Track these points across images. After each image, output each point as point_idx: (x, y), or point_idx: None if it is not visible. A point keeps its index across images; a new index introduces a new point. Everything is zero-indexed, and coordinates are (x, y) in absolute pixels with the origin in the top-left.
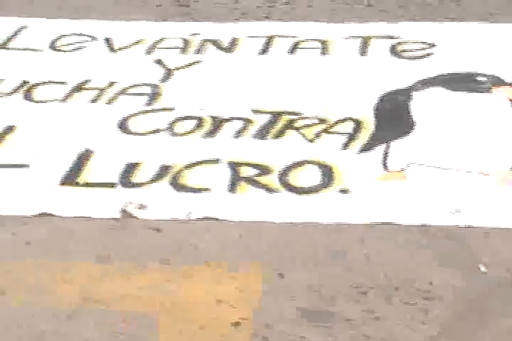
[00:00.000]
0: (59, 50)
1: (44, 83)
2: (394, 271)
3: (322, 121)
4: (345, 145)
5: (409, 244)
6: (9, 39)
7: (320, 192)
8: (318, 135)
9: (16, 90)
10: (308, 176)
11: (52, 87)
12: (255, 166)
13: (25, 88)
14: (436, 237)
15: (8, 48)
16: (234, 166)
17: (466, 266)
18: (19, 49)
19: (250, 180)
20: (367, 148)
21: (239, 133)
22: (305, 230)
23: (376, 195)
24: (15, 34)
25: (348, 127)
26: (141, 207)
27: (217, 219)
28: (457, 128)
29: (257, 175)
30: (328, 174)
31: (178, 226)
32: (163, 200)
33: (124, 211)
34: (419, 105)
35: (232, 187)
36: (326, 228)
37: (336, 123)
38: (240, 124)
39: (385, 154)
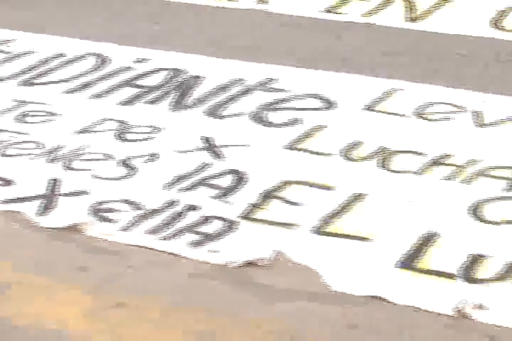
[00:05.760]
0: (424, 118)
1: (402, 152)
2: None
3: None
4: None
5: None
6: (378, 101)
7: None
8: None
9: (372, 156)
10: None
11: (409, 156)
12: None
13: (382, 154)
14: None
15: (374, 110)
16: None
17: None
18: (385, 112)
19: None
20: None
21: None
22: None
23: None
24: (385, 96)
25: None
26: (479, 307)
27: None
28: None
29: None
30: None
31: None
32: (505, 304)
33: (459, 310)
34: None
35: None
36: None
37: None
38: None
39: None
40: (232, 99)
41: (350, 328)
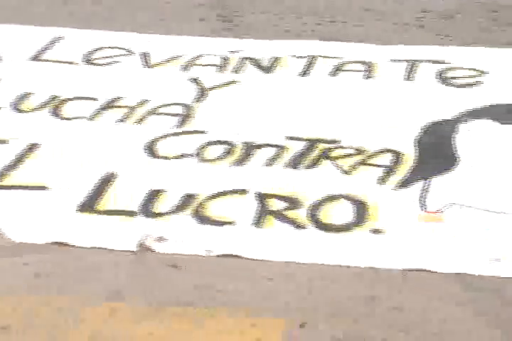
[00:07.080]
0: (93, 64)
1: (74, 98)
2: (428, 325)
3: (360, 151)
4: (382, 180)
5: (445, 295)
6: (44, 50)
7: (351, 230)
8: (354, 167)
9: (43, 105)
10: (339, 212)
11: (81, 103)
12: (284, 199)
13: (53, 103)
14: (473, 288)
15: (41, 60)
16: (262, 198)
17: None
18: (52, 61)
19: (278, 214)
20: (405, 184)
21: (270, 162)
22: (332, 273)
23: (411, 238)
24: (50, 45)
25: (387, 159)
26: (160, 240)
27: (239, 257)
28: (504, 167)
29: (285, 209)
30: (361, 211)
31: (197, 263)
32: (183, 233)
33: (141, 244)
34: (464, 139)
35: (258, 221)
36: (355, 272)
37: (375, 154)
38: (272, 151)
39: (424, 192)
40: None
41: (36, 277)
